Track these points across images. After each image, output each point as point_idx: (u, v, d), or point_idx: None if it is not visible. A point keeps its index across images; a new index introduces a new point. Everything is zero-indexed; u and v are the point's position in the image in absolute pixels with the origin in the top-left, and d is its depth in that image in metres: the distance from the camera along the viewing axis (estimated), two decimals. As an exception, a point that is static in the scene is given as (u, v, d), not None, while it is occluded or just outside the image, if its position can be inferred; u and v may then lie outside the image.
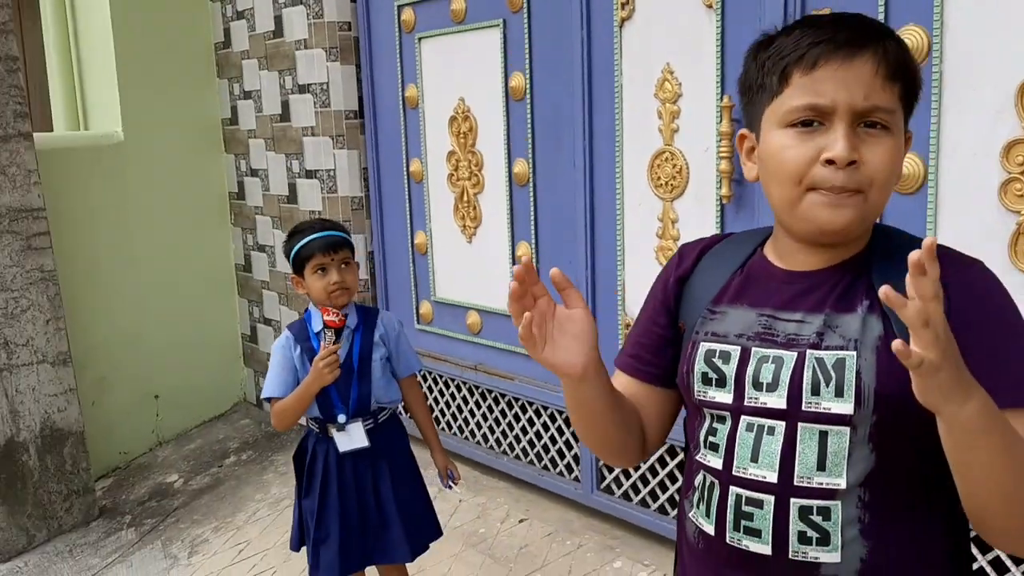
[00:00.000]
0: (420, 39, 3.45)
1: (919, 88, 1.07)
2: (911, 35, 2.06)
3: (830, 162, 1.00)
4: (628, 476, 3.02)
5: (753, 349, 1.10)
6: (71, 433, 3.74)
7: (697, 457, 1.16)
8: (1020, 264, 1.97)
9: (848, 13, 1.06)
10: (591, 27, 2.81)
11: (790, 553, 1.05)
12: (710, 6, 2.47)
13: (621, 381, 1.27)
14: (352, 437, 2.31)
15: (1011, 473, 0.93)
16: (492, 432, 3.51)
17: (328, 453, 2.35)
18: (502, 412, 3.45)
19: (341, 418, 2.30)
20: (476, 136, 3.29)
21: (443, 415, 3.71)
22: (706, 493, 1.14)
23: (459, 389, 3.61)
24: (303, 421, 2.40)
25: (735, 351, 1.11)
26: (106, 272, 4.14)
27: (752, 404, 1.08)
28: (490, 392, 3.46)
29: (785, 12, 2.29)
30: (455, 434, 3.67)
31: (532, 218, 3.13)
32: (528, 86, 3.05)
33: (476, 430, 3.57)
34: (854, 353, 1.03)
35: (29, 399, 3.62)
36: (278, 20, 3.91)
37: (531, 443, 3.34)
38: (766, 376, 1.08)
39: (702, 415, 1.16)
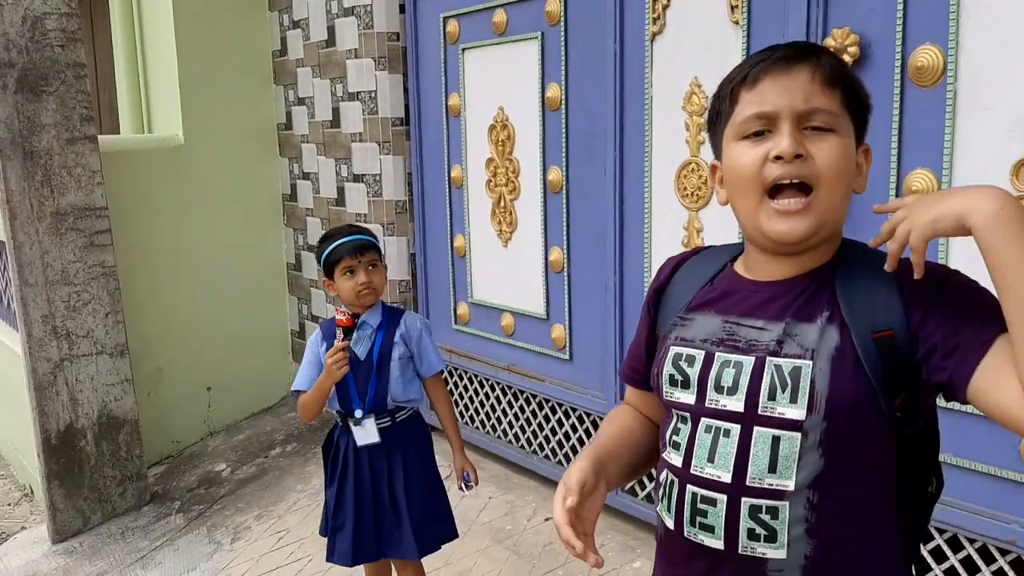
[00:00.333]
0: (464, 50, 3.56)
1: (863, 100, 1.15)
2: (927, 55, 2.10)
3: (779, 158, 1.09)
4: (651, 479, 3.09)
5: (716, 353, 1.17)
6: (126, 421, 3.93)
7: (663, 455, 1.24)
8: (1029, 280, 2.00)
9: (793, 42, 1.15)
10: (624, 41, 2.89)
11: (740, 548, 1.12)
12: (736, 22, 2.53)
13: (629, 391, 1.40)
14: (367, 432, 2.42)
15: None
16: (523, 432, 3.60)
17: (348, 445, 2.47)
18: (532, 412, 3.54)
19: (358, 413, 2.41)
20: (514, 144, 3.39)
21: (477, 414, 3.82)
22: (668, 489, 1.21)
23: (492, 389, 3.72)
24: (333, 413, 2.52)
25: (699, 355, 1.19)
26: (164, 269, 4.34)
27: (712, 406, 1.15)
28: (522, 392, 3.56)
29: (808, 26, 2.34)
30: (488, 432, 3.77)
31: (565, 224, 3.22)
32: (564, 97, 3.14)
33: (508, 429, 3.67)
34: (810, 362, 1.09)
35: (88, 388, 3.82)
36: (331, 30, 4.07)
37: (560, 444, 3.43)
38: (727, 380, 1.15)
39: (671, 415, 1.24)
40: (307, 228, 4.49)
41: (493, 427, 3.76)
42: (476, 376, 3.78)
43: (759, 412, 1.11)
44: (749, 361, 1.14)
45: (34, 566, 3.66)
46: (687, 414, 1.19)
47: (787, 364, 1.11)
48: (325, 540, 2.61)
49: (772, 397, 1.11)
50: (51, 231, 3.68)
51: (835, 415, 1.08)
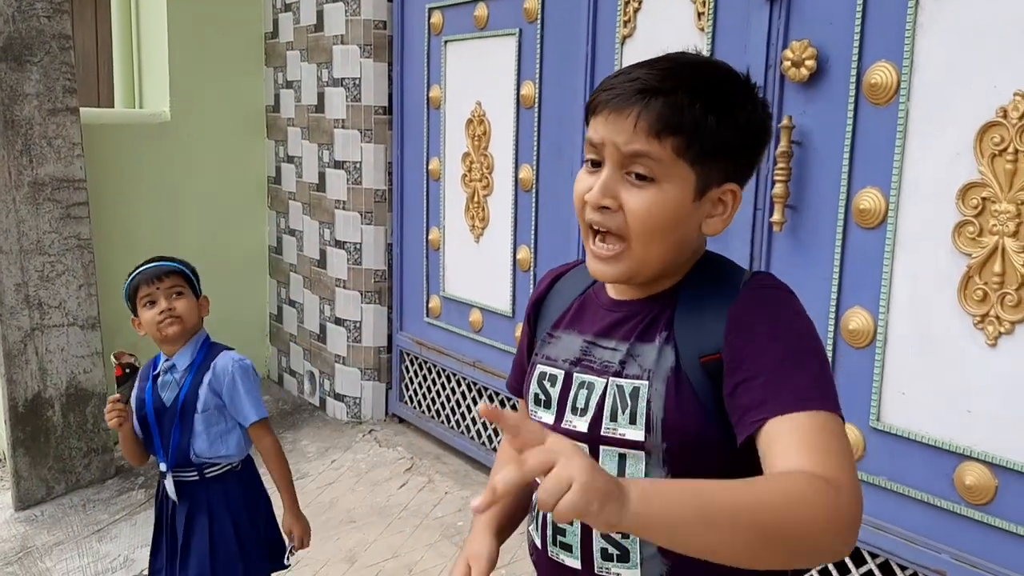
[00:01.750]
0: (446, 42, 3.54)
1: (718, 142, 1.05)
2: (881, 72, 2.07)
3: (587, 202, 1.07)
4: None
5: (575, 374, 1.16)
6: (94, 394, 3.95)
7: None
8: (968, 307, 1.96)
9: (657, 58, 1.09)
10: (596, 42, 2.87)
11: (596, 568, 1.11)
12: (702, 29, 2.50)
13: (520, 404, 1.35)
14: (170, 487, 2.18)
15: (734, 541, 0.87)
16: (485, 429, 3.59)
17: (163, 491, 2.25)
18: (495, 410, 3.52)
19: (162, 466, 2.18)
20: (489, 140, 3.37)
21: (443, 408, 3.81)
22: (535, 509, 1.21)
23: (459, 384, 3.71)
24: None
25: (560, 375, 1.18)
26: (143, 244, 4.32)
27: (566, 427, 1.14)
28: (486, 389, 3.55)
29: (768, 37, 2.31)
30: (452, 427, 3.77)
31: (533, 223, 3.20)
32: (537, 95, 3.12)
33: (472, 425, 3.66)
34: (647, 383, 1.08)
35: (58, 359, 3.84)
36: (320, 14, 4.06)
37: (519, 443, 3.41)
38: (581, 402, 1.14)
39: None
40: (289, 211, 4.49)
41: (457, 422, 3.75)
42: (444, 370, 3.77)
43: (602, 433, 1.10)
44: (600, 383, 1.12)
45: (-7, 532, 3.69)
46: None
47: (628, 385, 1.09)
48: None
49: (614, 418, 1.10)
50: (28, 200, 3.69)
51: (672, 437, 1.06)
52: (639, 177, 1.05)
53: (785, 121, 2.24)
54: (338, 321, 4.14)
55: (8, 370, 3.73)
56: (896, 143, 2.05)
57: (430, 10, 3.61)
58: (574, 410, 1.14)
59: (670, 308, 1.12)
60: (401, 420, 4.10)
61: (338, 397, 4.19)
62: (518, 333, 3.32)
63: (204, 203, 4.50)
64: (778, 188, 2.25)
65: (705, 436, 1.06)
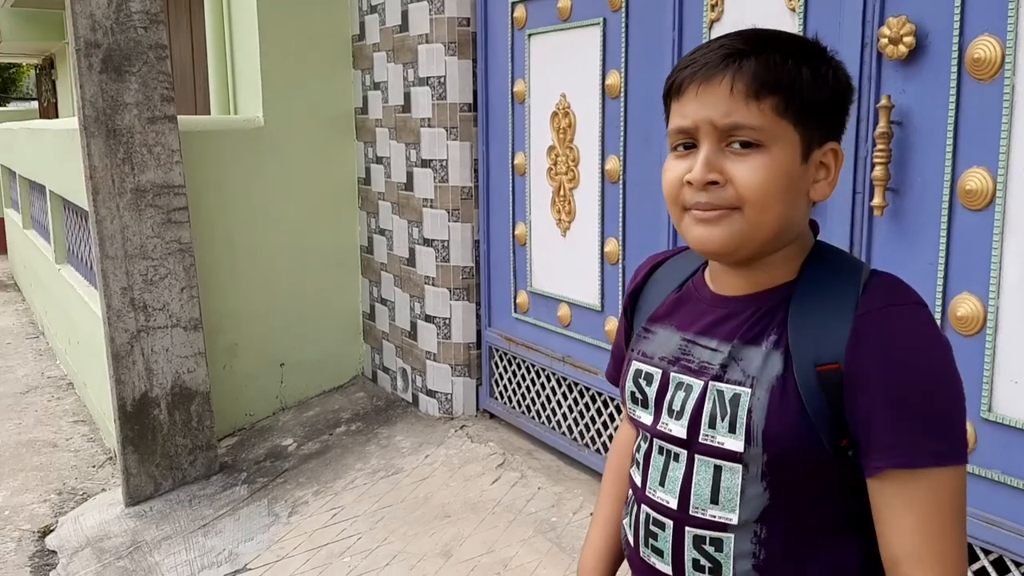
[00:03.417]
0: (530, 36, 3.53)
1: (821, 98, 1.02)
2: (984, 46, 1.96)
3: (691, 183, 1.01)
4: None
5: (672, 374, 1.12)
6: (198, 393, 4.08)
7: (630, 470, 1.21)
8: (1087, 291, 1.85)
9: (736, 33, 1.05)
10: (683, 27, 2.81)
11: None
12: (793, 9, 2.43)
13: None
14: None
15: None
16: (576, 424, 3.57)
17: None
18: (586, 405, 3.50)
19: None
20: (575, 132, 3.35)
21: (533, 404, 3.80)
22: (630, 506, 1.18)
23: (548, 379, 3.69)
24: None
25: (657, 373, 1.13)
26: (241, 246, 4.47)
27: (663, 429, 1.11)
28: (576, 384, 3.52)
29: (864, 14, 2.22)
30: (543, 423, 3.76)
31: (621, 215, 3.16)
32: (623, 84, 3.08)
33: (562, 421, 3.65)
34: (749, 390, 1.02)
35: (163, 359, 3.98)
36: (404, 15, 4.09)
37: (611, 438, 3.38)
38: (677, 404, 1.09)
39: (636, 429, 1.20)
40: (379, 211, 4.55)
41: (548, 418, 3.74)
42: (533, 366, 3.76)
43: (699, 440, 1.06)
44: (698, 385, 1.07)
45: (106, 527, 3.85)
46: (647, 433, 1.15)
47: (728, 391, 1.04)
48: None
49: (712, 425, 1.04)
50: (131, 207, 3.83)
51: (774, 449, 1.00)
52: (743, 145, 0.99)
53: (883, 101, 2.15)
54: (428, 318, 4.18)
55: (116, 371, 3.88)
56: (1003, 120, 1.94)
57: (513, 4, 3.60)
58: (670, 412, 1.10)
59: (782, 308, 1.04)
60: (492, 416, 4.12)
61: (430, 393, 4.23)
62: (608, 327, 3.29)
63: (297, 205, 4.59)
64: (878, 171, 2.16)
65: (808, 452, 1.00)
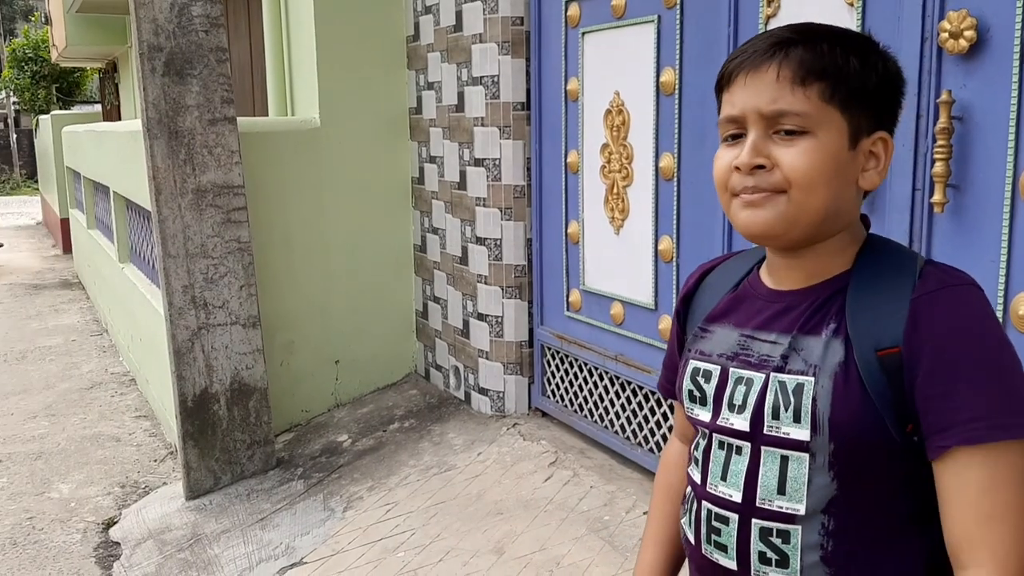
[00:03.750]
0: (583, 34, 3.54)
1: (871, 85, 1.03)
2: (1051, 37, 1.92)
3: (738, 168, 1.04)
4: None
5: (731, 369, 1.12)
6: (256, 389, 4.16)
7: (688, 469, 1.21)
8: None
9: (786, 26, 1.08)
10: (738, 24, 2.79)
11: (752, 571, 1.08)
12: (851, 3, 2.40)
13: (676, 409, 1.33)
14: None
15: None
16: (629, 423, 3.56)
17: None
18: (639, 404, 3.49)
19: None
20: (628, 129, 3.34)
21: (586, 402, 3.81)
22: (689, 504, 1.18)
23: (601, 378, 3.69)
24: None
25: (716, 370, 1.14)
26: (298, 245, 4.54)
27: (723, 424, 1.11)
28: (629, 383, 3.52)
29: (924, 8, 2.18)
30: (595, 421, 3.76)
31: (675, 213, 3.15)
32: (678, 81, 3.07)
33: (615, 420, 3.64)
34: (812, 379, 1.03)
35: (222, 356, 4.06)
36: (459, 15, 4.12)
37: (664, 438, 3.37)
38: (738, 397, 1.10)
39: (696, 428, 1.20)
40: (432, 210, 4.59)
41: (601, 416, 3.73)
42: (586, 364, 3.77)
43: (764, 431, 1.06)
44: (759, 378, 1.08)
45: (167, 519, 3.94)
46: (705, 430, 1.15)
47: (791, 381, 1.04)
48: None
49: (776, 416, 1.05)
50: (192, 207, 3.92)
51: (840, 437, 1.01)
52: (788, 133, 1.01)
53: (944, 96, 2.11)
54: (480, 316, 4.21)
55: (178, 367, 3.97)
56: (1070, 113, 1.90)
57: (567, 3, 3.61)
58: (731, 407, 1.10)
59: (839, 298, 1.05)
60: (544, 414, 4.13)
61: (482, 391, 4.25)
62: (661, 326, 3.28)
63: (352, 205, 4.65)
64: (938, 167, 2.12)
65: (876, 438, 1.00)
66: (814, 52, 1.02)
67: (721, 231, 2.92)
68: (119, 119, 13.42)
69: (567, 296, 3.82)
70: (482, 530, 3.28)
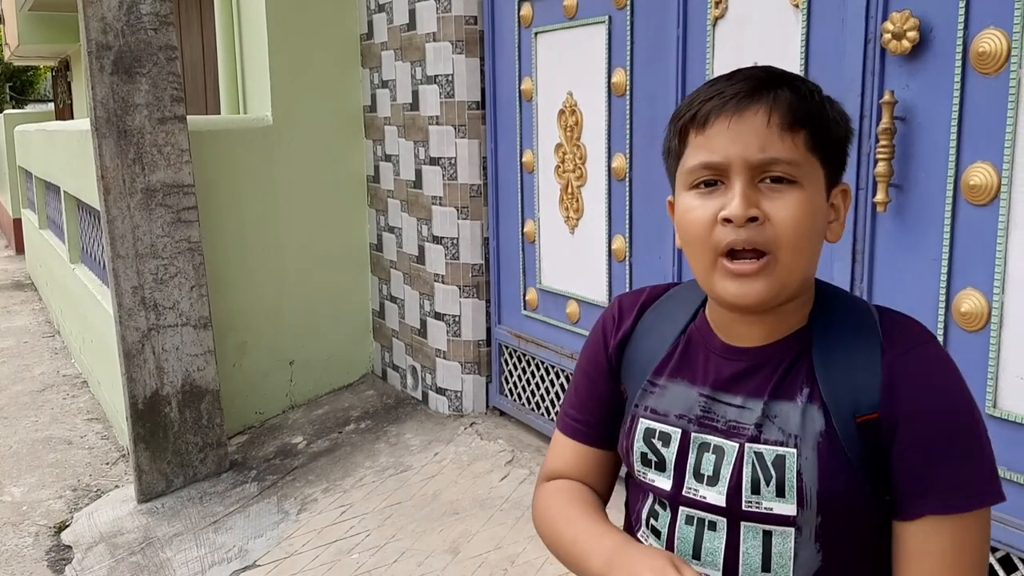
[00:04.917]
0: (536, 34, 3.53)
1: (838, 135, 1.00)
2: (989, 39, 1.95)
3: (728, 221, 0.95)
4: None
5: (693, 434, 1.05)
6: (208, 391, 4.10)
7: (639, 535, 1.13)
8: (1092, 286, 1.84)
9: (752, 67, 1.01)
10: (687, 25, 2.81)
11: None
12: (797, 5, 2.42)
13: (566, 445, 1.22)
14: None
15: None
16: (584, 421, 3.57)
17: None
18: (594, 402, 3.50)
19: None
20: (581, 130, 3.35)
21: (542, 400, 3.81)
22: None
23: (558, 376, 3.70)
24: None
25: (676, 433, 1.07)
26: (250, 245, 4.49)
27: (691, 496, 1.04)
28: (584, 382, 3.52)
29: (867, 10, 2.21)
30: (552, 420, 3.76)
31: (627, 213, 3.16)
32: (629, 82, 3.08)
33: (571, 418, 3.65)
34: (794, 451, 0.98)
35: (173, 357, 4.00)
36: (412, 13, 4.10)
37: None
38: (707, 468, 1.03)
39: (643, 492, 1.12)
40: (388, 209, 4.56)
41: (557, 414, 3.74)
42: (543, 363, 3.77)
43: (743, 507, 1.00)
44: (732, 448, 1.01)
45: (119, 523, 3.88)
46: (665, 500, 1.08)
47: (768, 452, 0.99)
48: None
49: (756, 491, 0.99)
50: (141, 206, 3.86)
51: (829, 510, 0.97)
52: (775, 180, 0.95)
53: (887, 96, 2.14)
54: (438, 316, 4.19)
55: (128, 369, 3.91)
56: (1008, 114, 1.93)
57: (520, 3, 3.61)
58: (699, 477, 1.03)
59: (805, 356, 1.00)
60: (502, 413, 4.12)
61: (440, 391, 4.24)
62: (615, 324, 3.29)
63: (307, 203, 4.61)
64: (881, 167, 2.15)
65: (863, 507, 0.98)
66: (800, 95, 0.96)
67: (672, 231, 2.94)
68: (72, 118, 13.19)
69: (524, 295, 3.82)
70: (437, 530, 3.26)
